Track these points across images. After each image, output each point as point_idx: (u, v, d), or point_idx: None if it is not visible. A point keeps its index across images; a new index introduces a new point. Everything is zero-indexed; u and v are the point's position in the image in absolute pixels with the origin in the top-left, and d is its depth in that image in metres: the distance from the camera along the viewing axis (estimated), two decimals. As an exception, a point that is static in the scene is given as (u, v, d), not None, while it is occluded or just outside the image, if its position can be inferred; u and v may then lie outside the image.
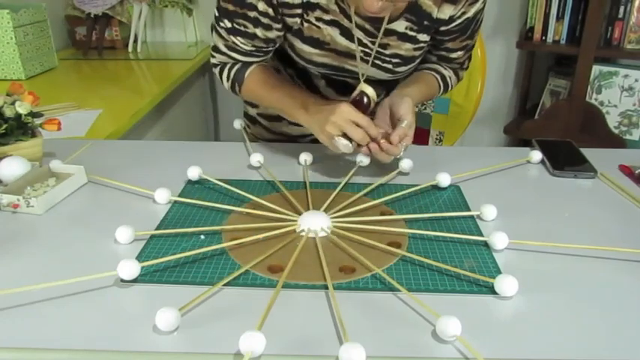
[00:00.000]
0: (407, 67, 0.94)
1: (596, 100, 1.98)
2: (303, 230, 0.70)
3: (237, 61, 0.93)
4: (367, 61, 0.90)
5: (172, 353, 0.50)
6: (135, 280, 0.60)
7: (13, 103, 0.86)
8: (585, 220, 0.75)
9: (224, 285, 0.59)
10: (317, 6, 0.85)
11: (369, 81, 0.90)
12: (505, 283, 0.57)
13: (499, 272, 0.62)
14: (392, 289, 0.59)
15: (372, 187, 0.82)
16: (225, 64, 0.95)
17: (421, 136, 1.75)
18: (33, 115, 0.88)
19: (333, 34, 0.88)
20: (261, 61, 0.95)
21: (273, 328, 0.52)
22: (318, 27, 0.87)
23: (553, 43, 1.99)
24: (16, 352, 0.50)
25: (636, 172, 0.87)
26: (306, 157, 0.91)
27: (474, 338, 0.51)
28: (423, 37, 0.90)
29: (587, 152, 0.94)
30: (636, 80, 1.92)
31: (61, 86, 1.65)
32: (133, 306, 0.57)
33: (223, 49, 0.92)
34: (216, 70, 0.96)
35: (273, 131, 1.12)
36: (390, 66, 0.92)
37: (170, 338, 0.52)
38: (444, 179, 0.82)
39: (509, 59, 2.24)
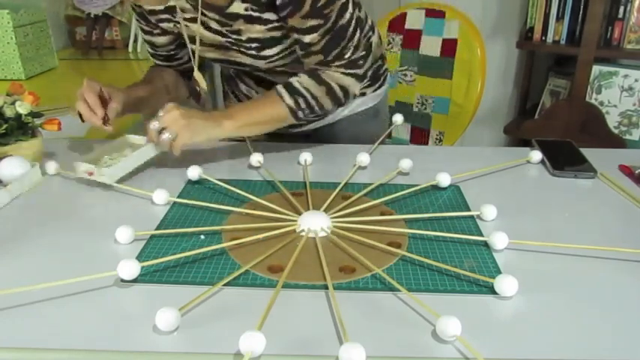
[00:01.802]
0: (274, 50, 0.91)
1: (596, 100, 1.98)
2: (303, 230, 0.70)
3: (153, 63, 1.08)
4: (236, 50, 0.95)
5: (172, 353, 0.50)
6: (135, 280, 0.60)
7: (13, 103, 0.86)
8: (585, 220, 0.75)
9: (224, 285, 0.59)
10: (175, 8, 0.91)
11: (279, 72, 0.97)
12: (505, 283, 0.57)
13: (499, 272, 0.62)
14: (392, 289, 0.59)
15: (372, 187, 0.82)
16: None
17: (421, 136, 1.75)
18: (33, 115, 0.88)
19: (199, 30, 0.93)
20: (166, 65, 1.06)
21: (273, 328, 0.52)
22: (187, 26, 0.93)
23: (553, 43, 1.99)
24: (16, 352, 0.50)
25: (636, 172, 0.87)
26: (306, 157, 0.91)
27: (474, 338, 0.51)
28: (271, 15, 0.87)
29: (587, 152, 0.94)
30: (636, 80, 1.92)
31: (61, 86, 1.65)
32: (133, 306, 0.57)
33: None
34: None
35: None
36: (253, 52, 0.92)
37: (170, 338, 0.52)
38: (444, 179, 0.82)
39: (509, 59, 2.24)
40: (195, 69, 0.98)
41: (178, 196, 0.80)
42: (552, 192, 0.83)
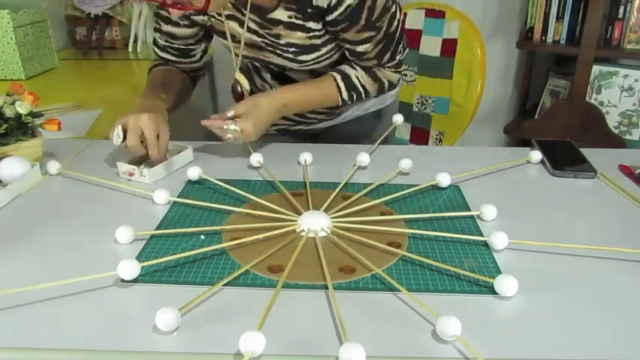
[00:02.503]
0: (312, 57, 0.94)
1: (596, 100, 1.98)
2: (303, 230, 0.70)
3: (158, 55, 1.06)
4: (272, 52, 0.96)
5: (172, 353, 0.50)
6: (135, 280, 0.60)
7: (13, 103, 0.86)
8: (585, 220, 0.75)
9: (224, 285, 0.59)
10: None
11: (319, 73, 0.98)
12: (505, 283, 0.57)
13: (499, 272, 0.62)
14: (392, 289, 0.59)
15: (372, 187, 0.82)
16: (154, 61, 1.08)
17: (421, 136, 1.75)
18: (33, 115, 0.88)
19: (234, 27, 0.94)
20: (177, 61, 1.05)
21: (273, 328, 0.52)
22: (222, 22, 0.93)
23: (553, 43, 1.99)
24: (16, 352, 0.50)
25: (636, 172, 0.87)
26: (306, 157, 0.91)
27: (474, 338, 0.51)
28: (314, 25, 0.89)
29: (587, 152, 0.94)
30: (636, 80, 1.92)
31: (61, 86, 1.65)
32: (133, 306, 0.57)
33: (152, 47, 1.07)
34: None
35: None
36: (290, 55, 0.94)
37: (170, 338, 0.52)
38: (444, 179, 0.82)
39: (509, 59, 2.24)
40: (237, 69, 0.96)
41: (178, 196, 0.80)
42: (552, 192, 0.83)
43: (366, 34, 0.90)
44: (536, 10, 1.97)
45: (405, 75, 1.72)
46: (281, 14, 0.89)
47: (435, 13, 1.63)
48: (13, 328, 0.53)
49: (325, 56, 0.96)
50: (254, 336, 0.48)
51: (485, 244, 0.67)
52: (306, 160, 0.91)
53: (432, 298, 0.57)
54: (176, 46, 1.02)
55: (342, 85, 0.96)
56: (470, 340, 0.50)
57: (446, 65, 1.62)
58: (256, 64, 1.05)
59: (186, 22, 0.98)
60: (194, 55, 1.05)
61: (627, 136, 1.98)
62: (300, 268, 0.62)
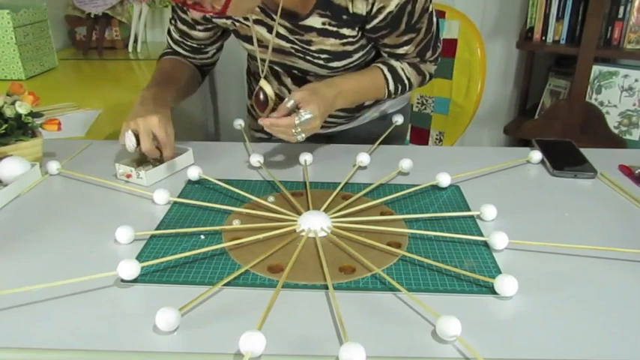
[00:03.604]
0: (343, 63, 0.94)
1: (596, 100, 1.98)
2: (303, 230, 0.70)
3: (170, 46, 1.05)
4: (301, 57, 0.94)
5: (172, 353, 0.50)
6: (135, 280, 0.60)
7: (13, 103, 0.86)
8: (585, 220, 0.75)
9: (224, 285, 0.59)
10: None
11: (327, 76, 0.96)
12: (505, 283, 0.57)
13: (499, 272, 0.62)
14: (392, 289, 0.59)
15: (372, 187, 0.82)
16: (165, 49, 1.07)
17: (421, 136, 1.75)
18: (33, 115, 0.88)
19: (261, 31, 0.92)
20: (189, 56, 1.04)
21: (273, 328, 0.52)
22: (248, 26, 0.92)
23: (553, 43, 1.99)
24: (16, 352, 0.50)
25: (636, 172, 0.87)
26: (306, 157, 0.91)
27: (474, 338, 0.51)
28: (349, 31, 0.89)
29: (587, 152, 0.94)
30: (636, 80, 1.92)
31: (61, 86, 1.65)
32: (133, 306, 0.57)
33: (166, 35, 1.05)
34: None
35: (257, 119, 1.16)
36: (321, 61, 0.94)
37: (170, 338, 0.52)
38: (444, 179, 0.82)
39: (509, 59, 2.24)
40: (263, 76, 0.92)
41: (178, 196, 0.80)
42: (552, 192, 0.83)
43: (407, 37, 0.90)
44: (536, 10, 1.97)
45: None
46: (314, 21, 0.88)
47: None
48: (13, 328, 0.53)
49: (356, 62, 0.96)
50: (254, 336, 0.48)
51: (486, 244, 0.67)
52: (306, 160, 0.91)
53: (432, 298, 0.57)
54: (189, 44, 1.01)
55: (389, 76, 0.95)
56: (470, 340, 0.50)
57: (446, 65, 1.62)
58: (277, 68, 1.03)
59: (200, 27, 0.97)
60: (206, 53, 1.04)
61: (627, 136, 1.98)
62: (300, 268, 0.62)
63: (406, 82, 0.97)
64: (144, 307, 0.57)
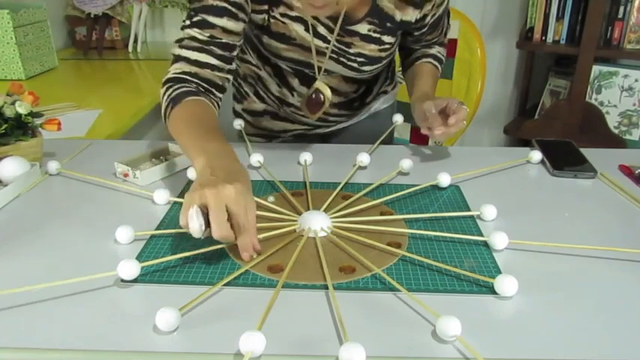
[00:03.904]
0: (373, 67, 0.97)
1: (596, 100, 1.98)
2: (303, 230, 0.70)
3: (190, 60, 0.81)
4: (333, 58, 0.94)
5: (172, 353, 0.50)
6: (135, 280, 0.60)
7: (13, 103, 0.86)
8: (585, 220, 0.75)
9: (224, 285, 0.59)
10: (281, 2, 0.87)
11: (347, 77, 0.99)
12: (505, 283, 0.57)
13: (499, 272, 0.62)
14: (392, 289, 0.59)
15: (372, 187, 0.82)
16: (171, 81, 0.82)
17: (421, 136, 1.75)
18: (33, 115, 0.88)
19: (298, 29, 0.90)
20: (217, 66, 0.83)
21: (273, 328, 0.52)
22: (284, 22, 0.90)
23: (553, 43, 1.99)
24: (16, 352, 0.50)
25: (636, 172, 0.87)
26: (306, 157, 0.91)
27: (474, 338, 0.51)
28: (388, 39, 0.93)
29: (587, 152, 0.94)
30: (636, 80, 1.92)
31: (61, 86, 1.65)
32: (133, 306, 0.57)
33: (178, 52, 0.82)
34: (162, 90, 0.82)
35: (255, 126, 1.16)
36: (355, 65, 0.95)
37: (170, 338, 0.52)
38: (444, 179, 0.82)
39: (509, 59, 2.24)
40: (319, 77, 0.94)
41: (178, 196, 0.80)
42: (552, 192, 0.83)
43: (442, 29, 1.03)
44: (536, 10, 1.97)
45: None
46: (362, 27, 0.90)
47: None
48: (13, 328, 0.53)
49: (380, 67, 1.00)
50: (254, 336, 0.48)
51: (486, 244, 0.67)
52: (306, 160, 0.91)
53: (432, 298, 0.57)
54: (224, 41, 0.82)
55: (437, 64, 1.06)
56: (470, 340, 0.50)
57: (446, 65, 1.62)
58: (287, 68, 0.99)
59: (244, 17, 0.84)
60: (233, 59, 0.86)
61: (627, 136, 1.98)
62: (300, 268, 0.62)
63: (444, 59, 1.09)
64: (144, 307, 0.56)
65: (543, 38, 1.99)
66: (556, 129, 1.96)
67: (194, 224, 0.59)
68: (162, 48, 2.21)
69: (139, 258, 0.65)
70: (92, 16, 2.04)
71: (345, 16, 0.88)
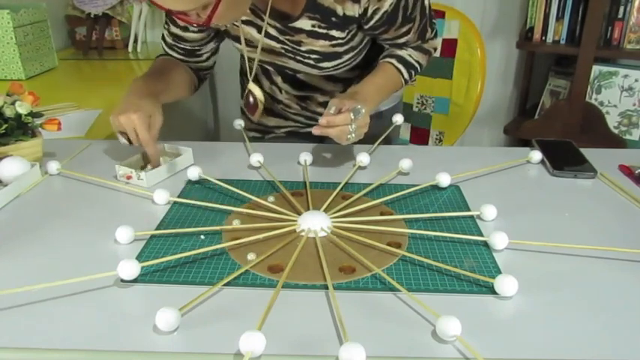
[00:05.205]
0: (333, 63, 0.96)
1: (596, 100, 1.98)
2: (303, 230, 0.70)
3: (164, 50, 1.04)
4: (290, 57, 0.95)
5: (172, 353, 0.50)
6: (135, 280, 0.60)
7: (13, 103, 0.86)
8: (585, 220, 0.75)
9: (224, 285, 0.59)
10: None
11: (332, 77, 1.00)
12: (505, 283, 0.57)
13: (499, 272, 0.62)
14: (392, 289, 0.59)
15: (372, 187, 0.82)
16: (160, 56, 1.06)
17: (421, 136, 1.75)
18: (33, 115, 0.88)
19: (251, 32, 0.93)
20: (183, 60, 1.03)
21: (273, 328, 0.52)
22: (238, 26, 0.93)
23: (553, 43, 1.99)
24: (16, 352, 0.50)
25: (636, 172, 0.87)
26: (306, 157, 0.91)
27: (474, 338, 0.51)
28: (338, 33, 0.91)
29: (587, 152, 0.94)
30: (636, 80, 1.92)
31: (61, 86, 1.65)
32: (133, 306, 0.57)
33: (161, 40, 1.05)
34: None
35: (252, 121, 1.17)
36: (311, 61, 0.95)
37: (170, 338, 0.52)
38: (444, 179, 0.82)
39: (509, 59, 2.24)
40: (251, 79, 0.95)
41: (178, 196, 0.80)
42: (552, 192, 0.83)
43: (405, 29, 0.93)
44: (536, 10, 1.97)
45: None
46: (304, 23, 0.89)
47: (435, 13, 1.63)
48: (13, 328, 0.53)
49: (345, 63, 0.97)
50: (254, 336, 0.48)
51: (486, 244, 0.67)
52: (306, 160, 0.91)
53: (432, 298, 0.57)
54: (182, 46, 1.01)
55: (400, 67, 0.97)
56: (470, 340, 0.50)
57: (446, 65, 1.62)
58: (268, 67, 1.05)
59: (194, 29, 0.96)
60: (200, 56, 1.04)
61: (627, 136, 1.98)
62: (300, 268, 0.62)
63: (417, 65, 0.99)
64: (144, 307, 0.57)
65: (543, 38, 1.99)
66: (556, 129, 1.96)
67: (122, 140, 0.84)
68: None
69: (139, 258, 0.65)
70: (92, 16, 2.04)
71: (284, 15, 0.89)
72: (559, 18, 1.94)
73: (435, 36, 1.02)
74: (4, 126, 0.85)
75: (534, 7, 1.97)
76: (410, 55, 0.98)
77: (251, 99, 0.93)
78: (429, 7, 0.97)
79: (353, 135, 0.83)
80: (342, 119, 0.80)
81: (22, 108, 0.86)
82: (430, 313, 0.54)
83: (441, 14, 1.60)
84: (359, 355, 0.47)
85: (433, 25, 1.00)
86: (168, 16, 0.98)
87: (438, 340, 0.52)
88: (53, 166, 0.87)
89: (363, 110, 0.82)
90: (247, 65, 0.96)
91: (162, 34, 1.03)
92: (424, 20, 0.95)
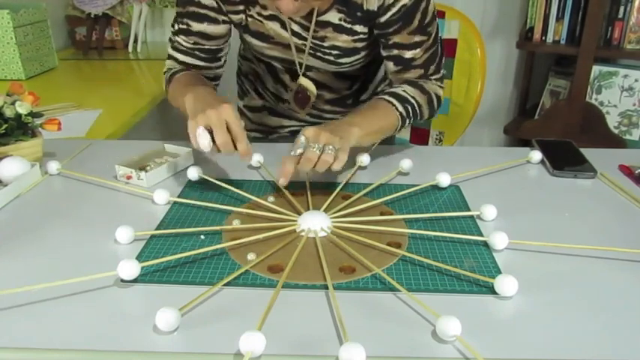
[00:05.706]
0: (351, 59, 0.95)
1: (596, 100, 1.98)
2: (303, 230, 0.70)
3: (178, 61, 0.97)
4: (310, 54, 0.95)
5: (172, 353, 0.50)
6: (135, 280, 0.60)
7: (13, 103, 0.86)
8: (585, 220, 0.75)
9: (224, 285, 0.59)
10: (256, 2, 0.89)
11: (342, 74, 0.98)
12: (505, 283, 0.57)
13: (499, 272, 0.62)
14: (392, 289, 0.59)
15: (372, 187, 0.82)
16: (169, 70, 0.98)
17: (421, 136, 1.75)
18: (33, 115, 0.88)
19: (274, 27, 0.92)
20: (204, 66, 0.97)
21: (273, 328, 0.52)
22: (261, 21, 0.92)
23: (553, 43, 1.99)
24: (16, 352, 0.50)
25: (636, 172, 0.87)
26: (306, 157, 0.91)
27: (474, 338, 0.51)
28: (360, 28, 0.91)
29: (587, 152, 0.94)
30: (636, 80, 1.92)
31: (61, 86, 1.65)
32: (133, 306, 0.57)
33: (170, 52, 0.98)
34: (163, 78, 1.00)
35: (254, 122, 1.18)
36: (331, 57, 0.95)
37: (170, 338, 0.52)
38: (444, 179, 0.82)
39: (509, 59, 2.24)
40: (301, 74, 0.95)
41: (178, 196, 0.80)
42: (552, 192, 0.83)
43: (417, 38, 0.89)
44: (536, 10, 1.97)
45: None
46: (332, 16, 0.89)
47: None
48: (13, 328, 0.53)
49: (361, 60, 0.97)
50: (254, 336, 0.48)
51: (486, 244, 0.67)
52: (306, 160, 0.90)
53: (432, 298, 0.57)
54: (207, 47, 0.94)
55: (393, 100, 0.89)
56: (470, 340, 0.50)
57: (446, 65, 1.62)
58: (277, 64, 1.03)
59: (220, 18, 0.91)
60: (220, 59, 0.98)
61: (627, 136, 1.98)
62: (300, 268, 0.62)
63: (412, 101, 0.90)
64: (144, 307, 0.56)
65: (543, 38, 1.99)
66: (556, 129, 1.96)
67: (203, 140, 0.71)
68: (162, 48, 2.21)
69: (139, 258, 0.65)
70: (92, 16, 2.04)
71: (314, 7, 0.88)
72: (559, 18, 1.95)
73: (441, 82, 0.96)
74: (4, 126, 0.85)
75: (534, 7, 1.97)
76: (404, 91, 0.91)
77: (306, 92, 0.93)
78: (442, 46, 0.94)
79: (336, 160, 0.74)
80: (288, 161, 0.73)
81: (22, 108, 0.86)
82: (430, 313, 0.54)
83: (441, 14, 1.60)
84: (359, 355, 0.47)
85: (440, 66, 0.96)
86: (190, 15, 0.91)
87: (438, 340, 0.52)
88: (53, 166, 0.87)
89: (302, 139, 0.74)
90: (296, 60, 0.94)
91: (174, 44, 0.95)
92: (436, 47, 0.92)
